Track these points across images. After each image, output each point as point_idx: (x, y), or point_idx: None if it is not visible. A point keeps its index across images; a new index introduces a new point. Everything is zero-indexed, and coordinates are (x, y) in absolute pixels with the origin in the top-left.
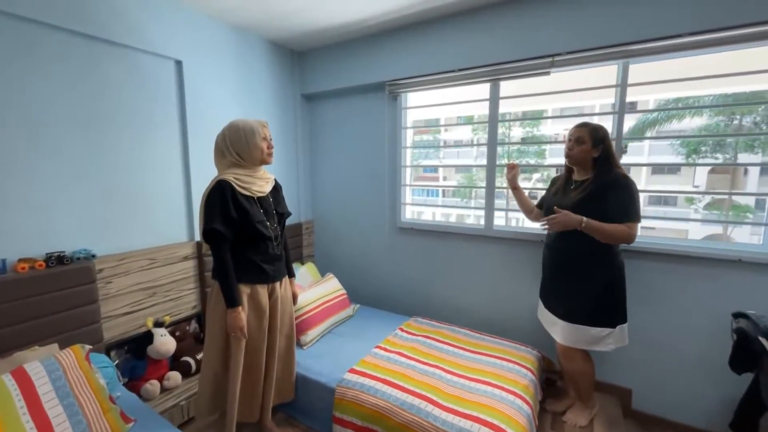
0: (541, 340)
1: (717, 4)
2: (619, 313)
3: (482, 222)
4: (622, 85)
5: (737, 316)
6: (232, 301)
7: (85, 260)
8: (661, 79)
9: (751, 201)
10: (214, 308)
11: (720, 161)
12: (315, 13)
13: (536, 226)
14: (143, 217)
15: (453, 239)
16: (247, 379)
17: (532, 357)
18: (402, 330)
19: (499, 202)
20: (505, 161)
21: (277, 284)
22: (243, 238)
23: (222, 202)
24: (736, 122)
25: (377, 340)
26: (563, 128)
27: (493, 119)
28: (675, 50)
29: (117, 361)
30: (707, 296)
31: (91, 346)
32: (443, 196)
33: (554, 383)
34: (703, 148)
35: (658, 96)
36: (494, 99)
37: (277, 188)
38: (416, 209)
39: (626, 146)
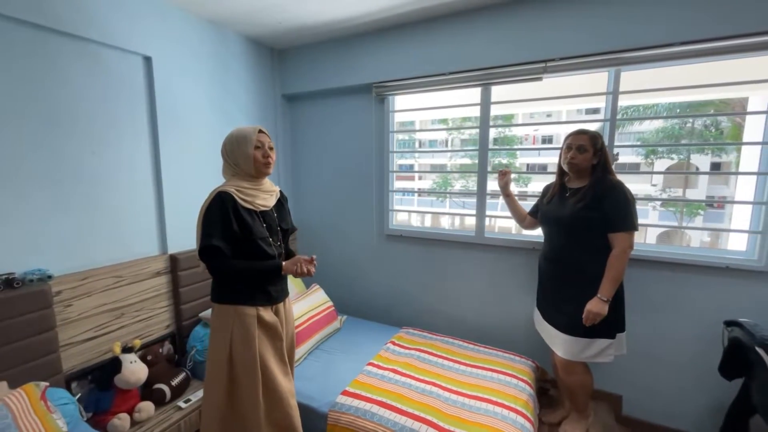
0: (534, 349)
1: (709, 15)
2: (618, 322)
3: (457, 224)
4: (614, 93)
5: (730, 324)
6: (271, 268)
7: (40, 282)
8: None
9: (702, 200)
10: (218, 334)
11: (675, 161)
12: (297, 10)
13: (529, 234)
14: (108, 230)
15: (443, 246)
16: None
17: (529, 369)
18: (394, 343)
19: (471, 203)
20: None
21: (281, 305)
22: (243, 256)
23: (222, 215)
24: (689, 125)
25: (369, 356)
26: (533, 129)
27: (485, 123)
28: (666, 59)
29: (79, 395)
30: (695, 302)
31: (47, 383)
32: (418, 196)
33: (547, 392)
34: (660, 150)
35: (619, 103)
36: (485, 103)
37: (281, 201)
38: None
39: (618, 154)
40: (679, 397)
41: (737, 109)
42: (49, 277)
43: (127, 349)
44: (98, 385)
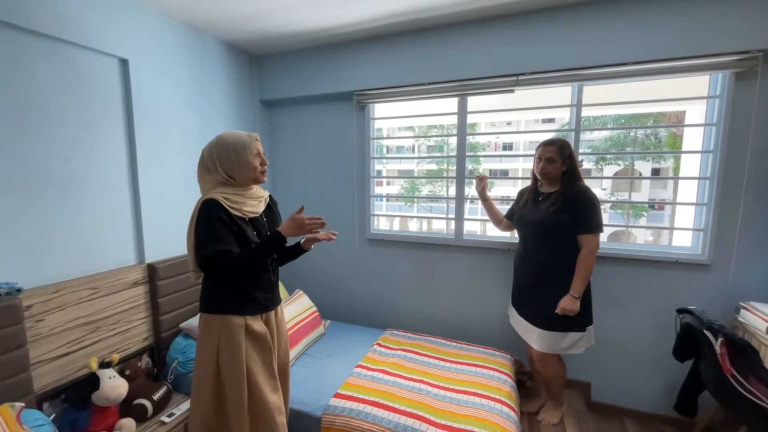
0: (510, 343)
1: (658, 39)
2: (588, 316)
3: (424, 228)
4: (578, 105)
5: (681, 311)
6: (270, 239)
7: (8, 296)
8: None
9: (647, 201)
10: (205, 345)
11: (621, 167)
12: (286, 18)
13: (504, 235)
14: (82, 240)
15: (423, 249)
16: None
17: (508, 362)
18: (380, 345)
19: (438, 207)
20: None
21: (272, 314)
22: None
23: (220, 218)
24: (632, 135)
25: (357, 359)
26: (495, 137)
27: (462, 132)
28: (620, 76)
29: (53, 416)
30: (650, 294)
31: (23, 404)
32: (386, 201)
33: (524, 384)
34: (608, 157)
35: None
36: (462, 112)
37: (271, 207)
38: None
39: (582, 161)
40: (639, 380)
41: (673, 121)
42: (19, 290)
43: (104, 365)
44: (73, 403)
